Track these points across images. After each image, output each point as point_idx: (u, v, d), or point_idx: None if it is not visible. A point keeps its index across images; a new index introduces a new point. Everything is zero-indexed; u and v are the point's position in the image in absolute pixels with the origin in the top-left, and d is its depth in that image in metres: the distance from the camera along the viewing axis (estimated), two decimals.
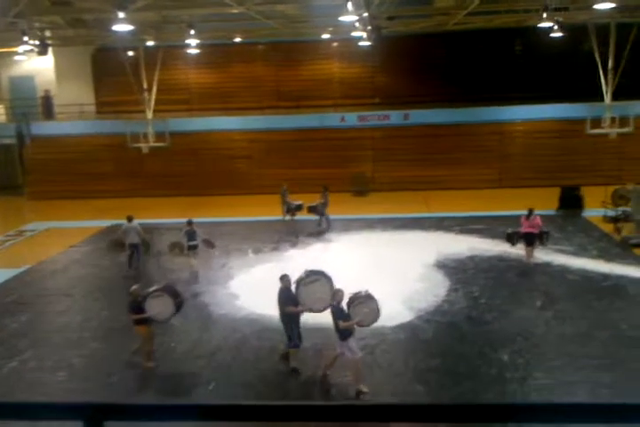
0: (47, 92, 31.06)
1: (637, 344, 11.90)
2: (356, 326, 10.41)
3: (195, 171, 29.13)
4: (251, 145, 29.34)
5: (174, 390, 10.84)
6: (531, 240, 16.59)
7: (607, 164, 27.32)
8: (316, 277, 11.09)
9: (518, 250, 17.18)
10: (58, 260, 19.53)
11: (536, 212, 16.69)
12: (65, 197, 28.60)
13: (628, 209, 20.28)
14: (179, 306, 11.65)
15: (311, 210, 21.54)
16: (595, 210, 21.83)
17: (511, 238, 16.93)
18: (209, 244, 17.00)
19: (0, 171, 32.34)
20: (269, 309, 12.33)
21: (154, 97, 27.93)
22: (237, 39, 28.81)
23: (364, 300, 10.51)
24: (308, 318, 11.21)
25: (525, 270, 16.62)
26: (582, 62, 27.70)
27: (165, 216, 23.65)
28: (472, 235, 20.30)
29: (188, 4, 19.51)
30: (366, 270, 15.85)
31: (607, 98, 25.85)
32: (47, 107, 31.14)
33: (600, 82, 25.80)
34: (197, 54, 29.80)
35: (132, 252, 17.22)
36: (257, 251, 19.41)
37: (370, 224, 22.21)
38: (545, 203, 21.87)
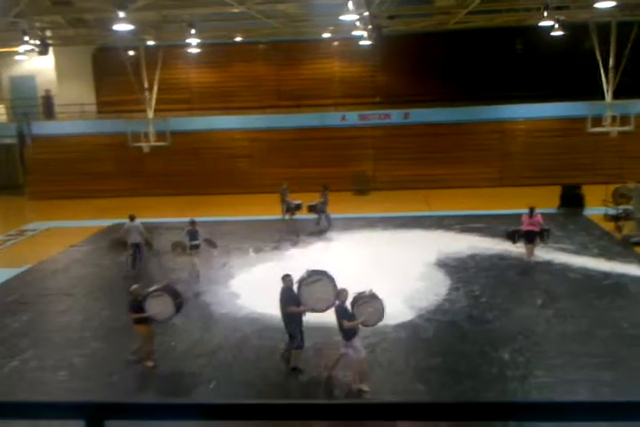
0: (48, 91, 31.07)
1: (638, 343, 11.89)
2: (360, 326, 10.40)
3: (195, 170, 29.14)
4: (251, 144, 29.35)
5: (175, 390, 10.84)
6: (531, 238, 16.59)
7: (608, 162, 27.32)
8: (318, 276, 11.05)
9: (519, 248, 17.18)
10: (59, 259, 19.54)
11: (537, 210, 16.69)
12: (66, 196, 28.61)
13: (628, 207, 20.28)
14: (179, 306, 11.65)
15: (311, 209, 21.57)
16: (596, 208, 21.83)
17: (512, 236, 16.93)
18: (211, 243, 17.01)
19: (1, 171, 32.35)
20: (270, 308, 12.33)
21: (154, 96, 27.95)
22: (238, 38, 28.81)
23: (368, 299, 10.48)
24: (310, 318, 11.19)
25: (526, 269, 16.62)
26: (583, 61, 27.67)
27: (166, 215, 23.67)
28: (473, 233, 20.30)
29: (189, 3, 19.50)
30: (367, 269, 15.84)
31: (608, 96, 25.84)
32: (48, 106, 31.16)
33: (601, 80, 25.80)
34: (198, 54, 29.80)
35: (135, 251, 17.22)
36: (258, 250, 19.41)
37: (370, 223, 22.21)
38: (546, 201, 21.86)
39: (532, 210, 16.49)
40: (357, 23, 20.81)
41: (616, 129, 25.61)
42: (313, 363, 11.27)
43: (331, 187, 22.02)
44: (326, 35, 28.42)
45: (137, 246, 17.20)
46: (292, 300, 10.87)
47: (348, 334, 10.16)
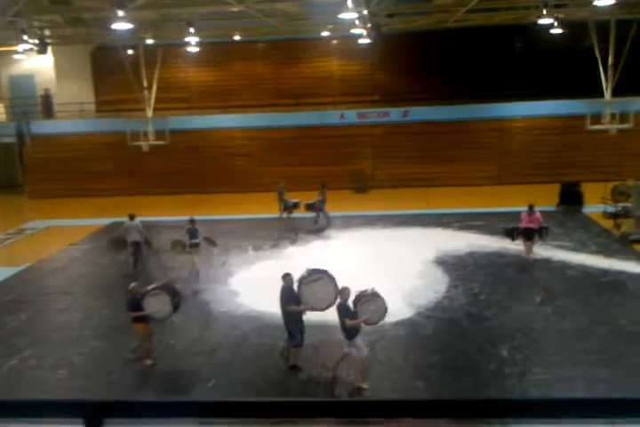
0: (47, 90, 31.04)
1: (636, 340, 11.92)
2: (362, 324, 10.40)
3: (195, 169, 29.13)
4: (250, 143, 29.34)
5: (174, 388, 10.85)
6: (530, 235, 16.60)
7: (607, 160, 27.33)
8: (318, 275, 11.03)
9: (517, 246, 17.19)
10: (58, 258, 19.54)
11: (536, 208, 16.70)
12: (65, 195, 28.59)
13: (627, 205, 20.29)
14: (176, 305, 11.64)
15: (309, 207, 21.60)
16: (594, 206, 21.85)
17: (510, 234, 16.95)
18: (210, 242, 17.02)
19: (0, 169, 32.33)
20: (270, 306, 12.34)
21: (154, 95, 27.91)
22: (237, 37, 28.77)
23: (370, 298, 10.46)
24: (311, 316, 11.19)
25: (525, 266, 16.63)
26: (582, 59, 27.66)
27: (165, 214, 23.66)
28: (471, 231, 20.32)
29: (188, 2, 19.47)
30: (366, 267, 15.84)
31: (607, 94, 25.84)
32: (47, 105, 31.13)
33: (600, 78, 25.79)
34: (197, 52, 29.74)
35: (134, 250, 17.21)
36: (257, 248, 19.42)
37: (370, 221, 22.22)
38: (545, 199, 21.86)
39: (531, 207, 16.51)
40: (356, 21, 20.77)
41: (615, 127, 25.61)
42: (312, 361, 11.27)
43: (330, 185, 22.03)
44: (325, 33, 28.39)
45: (136, 245, 17.20)
46: (292, 299, 10.86)
47: (351, 332, 10.15)
